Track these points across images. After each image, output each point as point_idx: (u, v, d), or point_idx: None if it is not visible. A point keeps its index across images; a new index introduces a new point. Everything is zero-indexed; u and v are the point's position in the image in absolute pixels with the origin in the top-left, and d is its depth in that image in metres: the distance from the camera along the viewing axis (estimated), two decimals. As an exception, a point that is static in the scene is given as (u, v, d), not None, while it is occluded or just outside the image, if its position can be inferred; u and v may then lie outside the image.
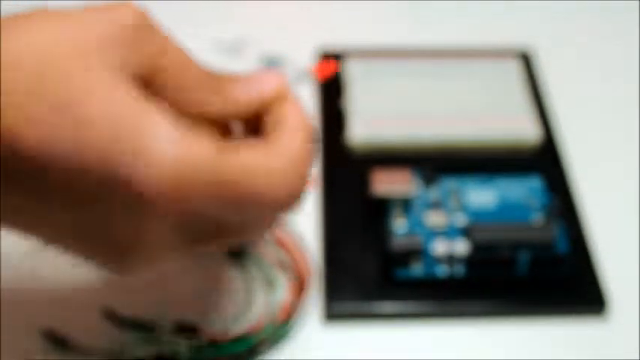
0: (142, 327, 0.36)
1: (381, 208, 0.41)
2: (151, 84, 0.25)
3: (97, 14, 0.24)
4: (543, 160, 0.45)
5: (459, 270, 0.39)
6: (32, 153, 0.22)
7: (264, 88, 0.28)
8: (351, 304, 0.38)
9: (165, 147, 0.23)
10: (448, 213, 0.41)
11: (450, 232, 0.40)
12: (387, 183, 0.40)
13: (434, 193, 0.42)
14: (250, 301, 0.38)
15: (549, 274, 0.39)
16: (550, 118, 0.48)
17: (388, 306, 0.38)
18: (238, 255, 0.39)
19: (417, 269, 0.39)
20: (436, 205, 0.41)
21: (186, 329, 0.36)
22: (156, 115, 0.23)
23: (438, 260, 0.39)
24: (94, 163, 0.22)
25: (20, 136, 0.22)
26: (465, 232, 0.39)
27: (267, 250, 0.39)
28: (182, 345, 0.35)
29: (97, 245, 0.25)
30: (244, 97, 0.28)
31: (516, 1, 0.56)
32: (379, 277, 0.39)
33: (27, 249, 0.29)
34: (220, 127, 0.29)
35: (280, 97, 0.28)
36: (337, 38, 0.52)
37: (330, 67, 0.22)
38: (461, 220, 0.40)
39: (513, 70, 0.49)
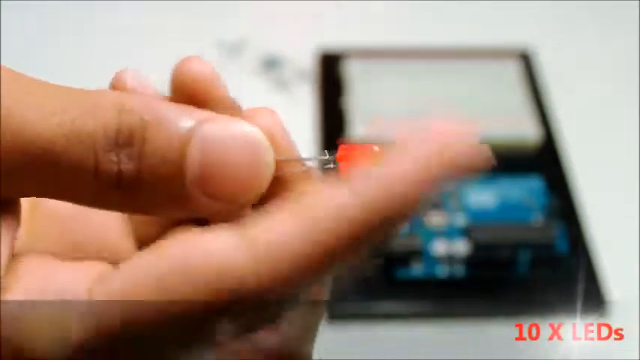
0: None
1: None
2: None
3: None
4: (543, 160, 0.45)
5: (459, 270, 0.39)
6: None
7: None
8: (351, 305, 0.38)
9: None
10: (448, 213, 0.41)
11: (450, 232, 0.40)
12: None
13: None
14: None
15: (549, 274, 0.39)
16: (550, 118, 0.48)
17: (389, 306, 0.38)
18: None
19: (417, 269, 0.39)
20: (436, 205, 0.41)
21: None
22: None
23: (438, 260, 0.39)
24: None
25: None
26: (465, 232, 0.39)
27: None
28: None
29: None
30: None
31: (516, 1, 0.56)
32: (379, 277, 0.39)
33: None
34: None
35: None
36: (337, 38, 0.52)
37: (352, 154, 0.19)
38: (461, 220, 0.40)
39: (513, 70, 0.49)
